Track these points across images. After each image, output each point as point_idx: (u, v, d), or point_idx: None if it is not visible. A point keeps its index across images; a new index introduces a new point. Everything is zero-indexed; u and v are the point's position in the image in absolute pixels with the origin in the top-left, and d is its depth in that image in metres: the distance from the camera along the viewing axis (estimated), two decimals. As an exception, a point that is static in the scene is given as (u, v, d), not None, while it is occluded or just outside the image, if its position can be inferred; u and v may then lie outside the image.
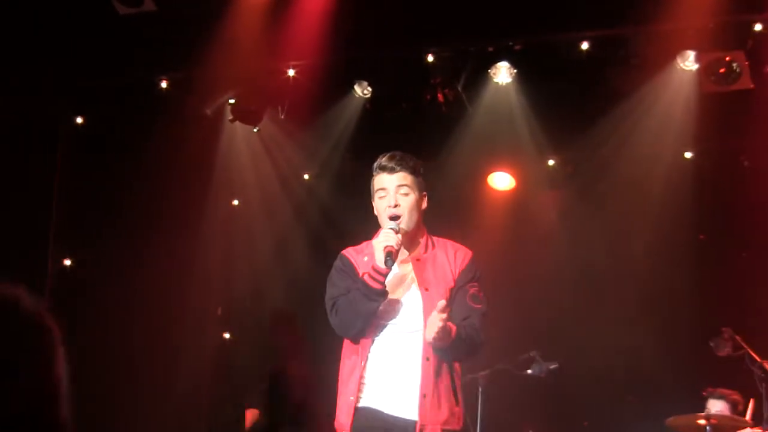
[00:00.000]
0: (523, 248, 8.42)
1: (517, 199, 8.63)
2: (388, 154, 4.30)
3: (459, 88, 7.76)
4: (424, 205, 4.35)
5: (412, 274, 4.26)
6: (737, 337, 6.18)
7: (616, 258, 8.14)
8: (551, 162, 8.48)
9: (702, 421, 6.01)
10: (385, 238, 4.12)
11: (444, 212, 8.18)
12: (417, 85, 7.80)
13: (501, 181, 8.61)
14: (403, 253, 4.28)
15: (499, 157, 8.41)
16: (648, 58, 7.13)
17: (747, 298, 7.46)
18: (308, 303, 6.23)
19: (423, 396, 4.07)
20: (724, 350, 6.21)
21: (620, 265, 8.11)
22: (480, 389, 6.38)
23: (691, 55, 7.17)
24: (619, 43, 7.24)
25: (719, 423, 6.03)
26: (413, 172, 4.28)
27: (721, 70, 6.90)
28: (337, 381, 4.31)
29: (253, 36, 7.26)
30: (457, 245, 4.43)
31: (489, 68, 7.67)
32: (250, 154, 8.44)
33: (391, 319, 4.20)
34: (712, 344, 6.26)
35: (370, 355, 4.21)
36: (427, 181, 4.35)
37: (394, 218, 4.21)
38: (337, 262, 4.36)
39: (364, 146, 7.92)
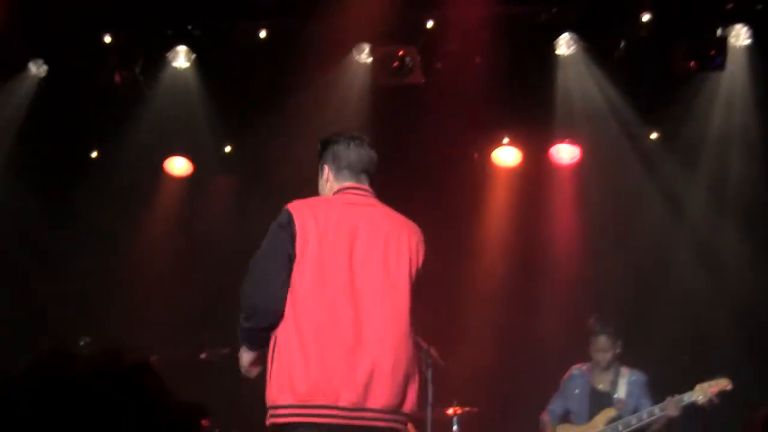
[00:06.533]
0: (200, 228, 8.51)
1: (192, 184, 8.68)
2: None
3: (137, 71, 7.71)
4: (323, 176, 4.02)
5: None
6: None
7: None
8: (228, 148, 8.60)
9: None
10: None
11: (118, 196, 8.16)
12: (94, 66, 7.65)
13: (178, 166, 8.60)
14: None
15: (176, 141, 8.43)
16: (324, 50, 7.38)
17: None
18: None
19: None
20: None
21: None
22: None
23: (366, 48, 7.51)
24: (296, 33, 7.50)
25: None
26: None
27: (395, 64, 7.28)
28: None
29: None
30: None
31: (167, 52, 7.72)
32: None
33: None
34: None
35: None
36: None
37: None
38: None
39: (40, 126, 7.73)
